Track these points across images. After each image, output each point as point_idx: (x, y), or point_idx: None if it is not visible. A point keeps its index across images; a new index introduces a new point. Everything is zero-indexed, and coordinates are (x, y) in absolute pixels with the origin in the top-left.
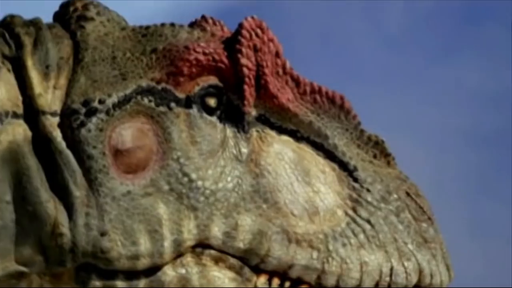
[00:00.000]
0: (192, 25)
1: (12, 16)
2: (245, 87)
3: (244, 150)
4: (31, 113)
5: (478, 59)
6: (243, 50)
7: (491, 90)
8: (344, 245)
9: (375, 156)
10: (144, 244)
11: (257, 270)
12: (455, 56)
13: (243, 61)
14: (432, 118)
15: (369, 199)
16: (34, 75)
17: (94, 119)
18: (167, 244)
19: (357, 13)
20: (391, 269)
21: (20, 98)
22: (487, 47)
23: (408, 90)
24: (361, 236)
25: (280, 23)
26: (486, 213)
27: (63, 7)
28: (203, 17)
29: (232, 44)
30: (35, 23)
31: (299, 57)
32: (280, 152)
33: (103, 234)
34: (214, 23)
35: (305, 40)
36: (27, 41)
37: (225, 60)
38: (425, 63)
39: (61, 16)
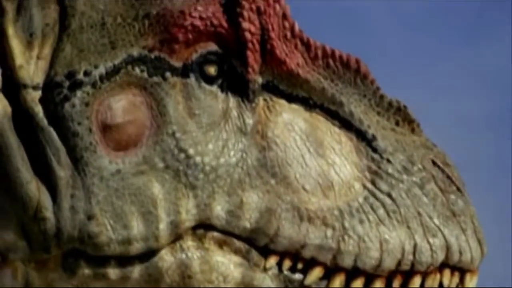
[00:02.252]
0: None
1: None
2: (248, 53)
3: (249, 121)
4: (12, 86)
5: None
6: (245, 13)
7: None
8: (361, 221)
9: (397, 123)
10: (137, 227)
11: (266, 252)
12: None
13: (245, 25)
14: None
15: (390, 170)
16: (16, 45)
17: (79, 93)
18: (163, 226)
19: None
20: (415, 246)
21: None
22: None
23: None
24: (381, 211)
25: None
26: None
27: None
28: None
29: (233, 6)
30: None
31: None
32: (290, 122)
33: (90, 217)
34: None
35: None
36: (9, 7)
37: (225, 25)
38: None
39: None
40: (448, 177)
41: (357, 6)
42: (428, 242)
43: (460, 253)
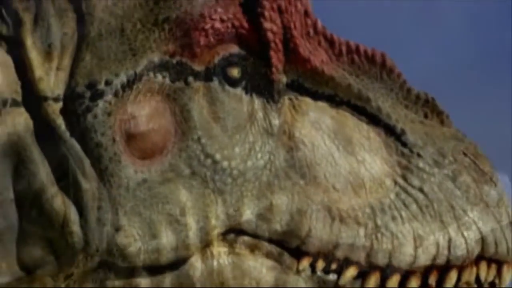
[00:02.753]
0: None
1: None
2: (271, 53)
3: (275, 122)
4: (32, 98)
5: None
6: (266, 13)
7: None
8: (394, 218)
9: (426, 116)
10: (166, 236)
11: (298, 254)
12: None
13: (267, 25)
14: None
15: (421, 164)
16: (34, 56)
17: (100, 103)
18: (192, 234)
19: None
20: (449, 240)
21: (19, 82)
22: None
23: None
24: (413, 206)
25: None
26: None
27: None
28: None
29: (253, 6)
30: None
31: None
32: (317, 121)
33: (118, 229)
34: None
35: None
36: (26, 18)
37: (246, 25)
38: None
39: None
40: (480, 168)
41: None
42: (463, 235)
43: (496, 244)
